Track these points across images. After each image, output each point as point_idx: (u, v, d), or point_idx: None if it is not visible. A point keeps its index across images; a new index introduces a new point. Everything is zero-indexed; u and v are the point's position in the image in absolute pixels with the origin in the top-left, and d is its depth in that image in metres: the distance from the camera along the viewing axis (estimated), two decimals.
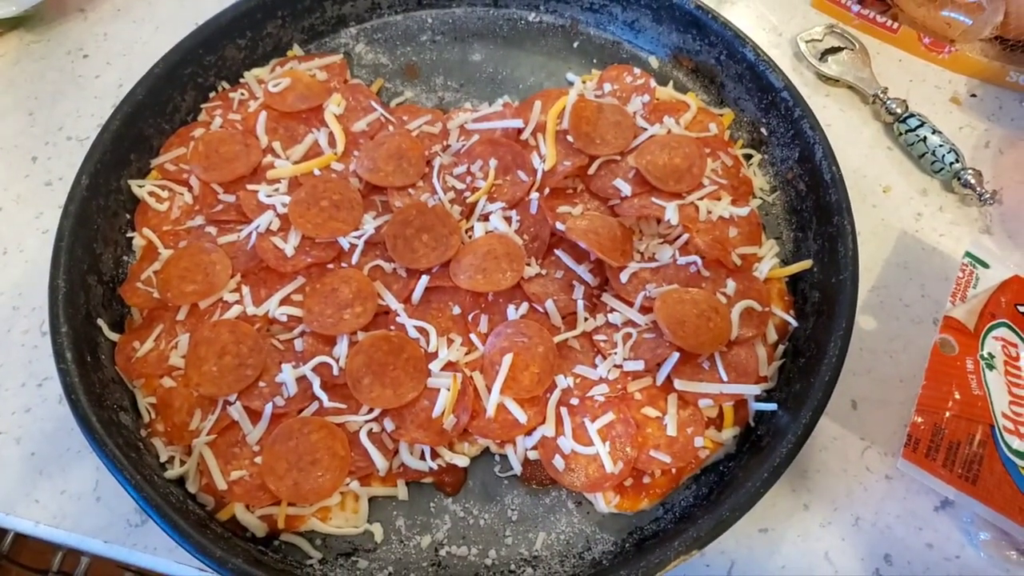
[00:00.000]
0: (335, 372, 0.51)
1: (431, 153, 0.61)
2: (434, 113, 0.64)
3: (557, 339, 0.52)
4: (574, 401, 0.51)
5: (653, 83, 0.64)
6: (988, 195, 0.62)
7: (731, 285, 0.54)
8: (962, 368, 0.50)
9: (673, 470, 0.50)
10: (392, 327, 0.53)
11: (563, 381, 0.52)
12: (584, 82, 0.65)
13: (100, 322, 0.53)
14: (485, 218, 0.58)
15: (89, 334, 0.52)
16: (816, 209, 0.57)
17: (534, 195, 0.57)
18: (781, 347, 0.54)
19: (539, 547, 0.49)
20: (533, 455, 0.51)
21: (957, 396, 0.49)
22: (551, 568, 0.49)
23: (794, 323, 0.54)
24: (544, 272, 0.55)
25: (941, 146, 0.64)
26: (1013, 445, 0.48)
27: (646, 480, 0.50)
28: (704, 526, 0.44)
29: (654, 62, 0.68)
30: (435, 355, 0.52)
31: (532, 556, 0.49)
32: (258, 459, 0.49)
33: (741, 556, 0.50)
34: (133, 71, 0.65)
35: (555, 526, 0.50)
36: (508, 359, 0.51)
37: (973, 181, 0.62)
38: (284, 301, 0.54)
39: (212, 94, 0.65)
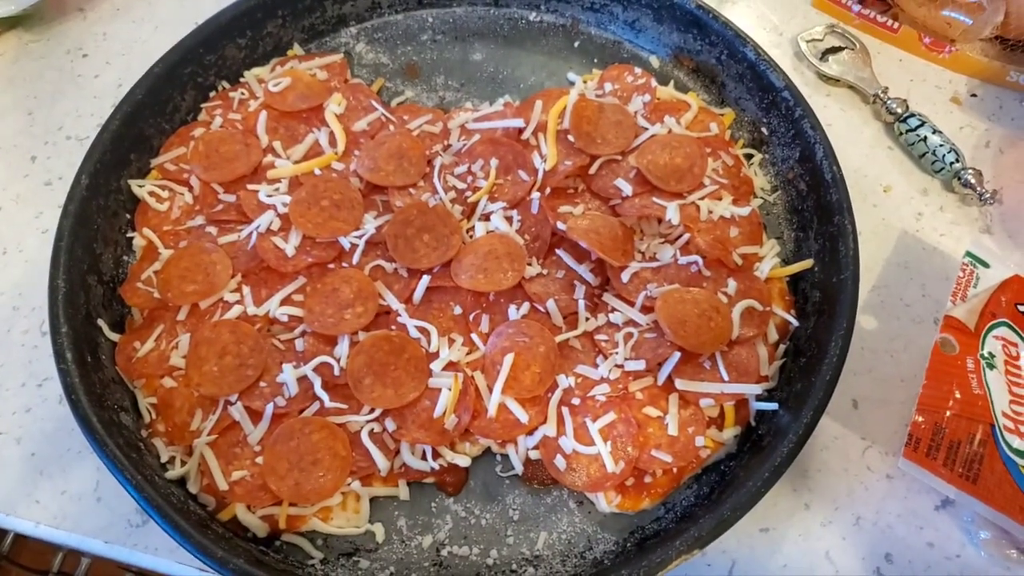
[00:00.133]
0: (336, 372, 0.51)
1: (432, 153, 0.61)
2: (435, 113, 0.64)
3: (558, 339, 0.52)
4: (575, 401, 0.51)
5: (654, 83, 0.64)
6: (988, 195, 0.62)
7: (732, 285, 0.54)
8: (963, 367, 0.50)
9: (674, 469, 0.50)
10: (393, 327, 0.53)
11: (564, 381, 0.52)
12: (585, 82, 0.65)
13: (100, 322, 0.53)
14: (486, 218, 0.57)
15: (89, 334, 0.52)
16: (817, 209, 0.57)
17: (535, 195, 0.57)
18: (782, 346, 0.54)
19: (541, 547, 0.49)
20: (534, 455, 0.51)
21: (958, 395, 0.49)
22: (553, 568, 0.49)
23: (795, 322, 0.54)
24: (545, 272, 0.55)
25: (941, 146, 0.64)
26: (1013, 444, 0.48)
27: (647, 480, 0.50)
28: (705, 525, 0.44)
29: (655, 62, 0.68)
30: (436, 355, 0.52)
31: (534, 556, 0.49)
32: (259, 459, 0.49)
33: (742, 555, 0.50)
34: (133, 71, 0.65)
35: (557, 526, 0.50)
36: (509, 359, 0.51)
37: (973, 181, 0.62)
38: (285, 301, 0.54)
39: (212, 93, 0.65)
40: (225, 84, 0.65)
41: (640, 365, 0.51)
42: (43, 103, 0.69)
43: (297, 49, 0.68)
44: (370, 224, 0.57)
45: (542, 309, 0.54)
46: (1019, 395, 0.49)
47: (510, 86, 0.68)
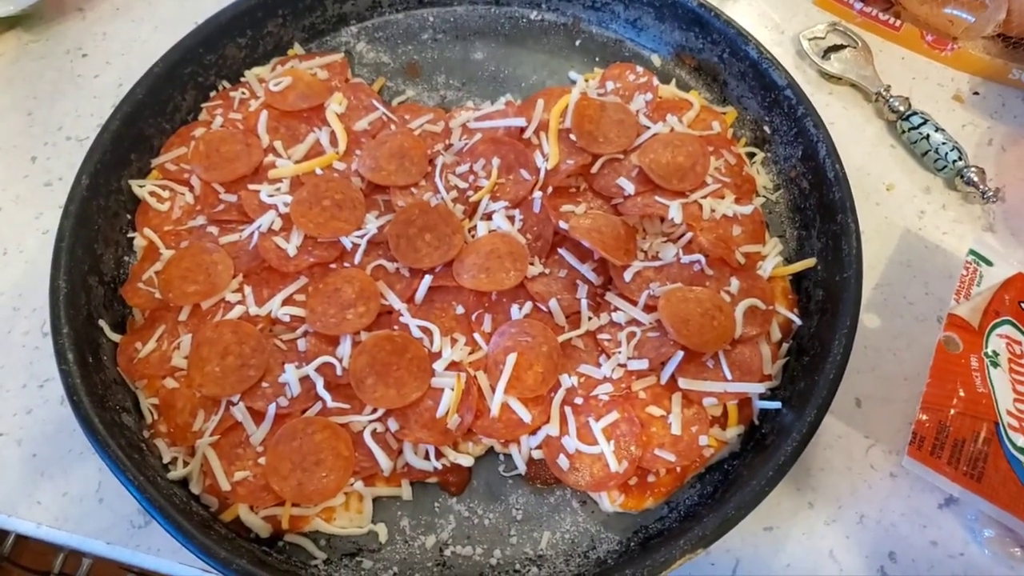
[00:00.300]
0: (338, 372, 0.51)
1: (433, 152, 0.61)
2: (436, 112, 0.64)
3: (561, 338, 0.52)
4: (578, 400, 0.51)
5: (656, 81, 0.64)
6: (991, 193, 0.62)
7: (735, 283, 0.54)
8: (966, 366, 0.50)
9: (678, 469, 0.50)
10: (395, 327, 0.53)
11: (567, 380, 0.51)
12: (587, 80, 0.65)
13: (102, 323, 0.53)
14: (488, 217, 0.57)
15: (91, 335, 0.51)
16: (820, 207, 0.57)
17: (537, 194, 0.57)
18: (785, 345, 0.54)
19: (544, 546, 0.49)
20: (537, 454, 0.50)
21: (962, 394, 0.49)
22: (556, 567, 0.49)
23: (798, 321, 0.54)
24: (548, 271, 0.55)
25: (944, 144, 0.64)
26: (1017, 442, 0.48)
27: (651, 479, 0.50)
28: (709, 525, 0.44)
29: (656, 60, 0.68)
30: (439, 355, 0.52)
31: (537, 555, 0.49)
32: (262, 460, 0.49)
33: (746, 554, 0.50)
34: (132, 70, 0.65)
35: (560, 525, 0.50)
36: (512, 358, 0.50)
37: (976, 179, 0.62)
38: (287, 301, 0.54)
39: (213, 93, 0.64)
40: (226, 84, 0.65)
41: (643, 364, 0.51)
42: (43, 103, 0.69)
43: (298, 48, 0.68)
44: (372, 224, 0.56)
45: (544, 308, 0.54)
46: (1023, 393, 0.49)
47: (511, 85, 0.67)
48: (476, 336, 0.53)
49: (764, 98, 0.62)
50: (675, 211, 0.55)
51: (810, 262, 0.56)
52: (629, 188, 0.57)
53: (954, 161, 0.63)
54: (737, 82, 0.65)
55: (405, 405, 0.50)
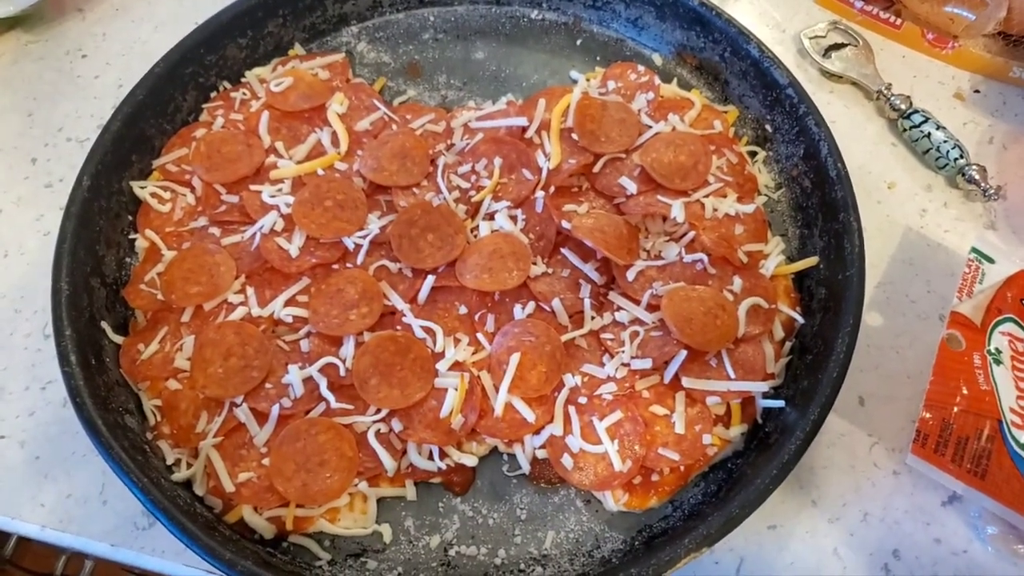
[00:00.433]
0: (342, 373, 0.51)
1: (435, 152, 0.61)
2: (437, 112, 0.64)
3: (564, 338, 0.52)
4: (582, 400, 0.51)
5: (657, 80, 0.64)
6: (992, 191, 0.62)
7: (737, 282, 0.54)
8: (969, 363, 0.50)
9: (681, 468, 0.50)
10: (398, 327, 0.53)
11: (571, 380, 0.51)
12: (588, 80, 0.65)
13: (104, 325, 0.53)
14: (490, 217, 0.57)
15: (93, 337, 0.51)
16: (822, 206, 0.57)
17: (539, 193, 0.57)
18: (788, 344, 0.54)
19: (548, 546, 0.49)
20: (541, 454, 0.50)
21: (965, 391, 0.49)
22: (561, 567, 0.49)
23: (801, 320, 0.54)
24: (550, 271, 0.55)
25: (945, 142, 0.64)
26: (1021, 439, 0.48)
27: (655, 478, 0.50)
28: (714, 523, 0.44)
29: (658, 59, 0.68)
30: (442, 355, 0.52)
31: (542, 555, 0.49)
32: (266, 461, 0.48)
33: (750, 553, 0.50)
34: (133, 71, 0.65)
35: (564, 525, 0.50)
36: (515, 358, 0.50)
37: (977, 177, 0.62)
38: (289, 302, 0.53)
39: (213, 94, 0.64)
40: (226, 84, 0.65)
41: (646, 363, 0.51)
42: (43, 104, 0.68)
43: (298, 49, 0.68)
44: (374, 224, 0.56)
45: (548, 308, 0.54)
46: None
47: (512, 85, 0.67)
48: (479, 336, 0.53)
49: (766, 97, 0.62)
50: (677, 210, 0.55)
51: (812, 261, 0.56)
52: (631, 187, 0.57)
53: (955, 159, 0.63)
54: (738, 81, 0.65)
55: (409, 405, 0.50)
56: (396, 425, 0.50)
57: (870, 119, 0.68)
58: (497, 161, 0.59)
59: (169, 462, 0.49)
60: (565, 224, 0.55)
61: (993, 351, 0.50)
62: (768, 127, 0.63)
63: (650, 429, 0.50)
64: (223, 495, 0.48)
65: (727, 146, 0.61)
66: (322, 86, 0.63)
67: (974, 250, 0.55)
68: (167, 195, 0.59)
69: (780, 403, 0.51)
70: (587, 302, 0.54)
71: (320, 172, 0.59)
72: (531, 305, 0.53)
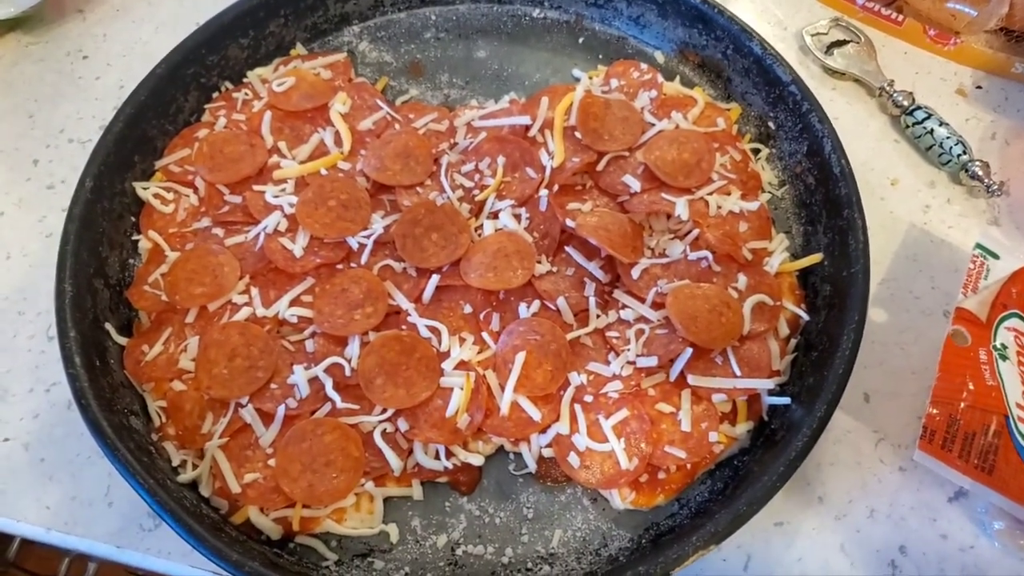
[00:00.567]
0: (347, 373, 0.51)
1: (438, 151, 0.61)
2: (440, 111, 0.64)
3: (570, 336, 0.52)
4: (588, 398, 0.51)
5: (660, 78, 0.64)
6: (996, 186, 0.62)
7: (742, 280, 0.54)
8: (975, 359, 0.50)
9: (688, 465, 0.50)
10: (403, 327, 0.53)
11: (576, 378, 0.51)
12: (591, 78, 0.65)
13: (108, 326, 0.52)
14: (494, 216, 0.57)
15: (97, 338, 0.51)
16: (825, 203, 0.57)
17: (543, 192, 0.57)
18: (793, 341, 0.54)
19: (555, 544, 0.49)
20: (548, 453, 0.50)
21: (971, 387, 0.49)
22: (568, 565, 0.49)
23: (805, 317, 0.54)
24: (555, 269, 0.55)
25: (948, 138, 0.64)
26: None
27: (661, 476, 0.50)
28: (721, 521, 0.44)
29: (660, 57, 0.68)
30: (447, 354, 0.51)
31: (549, 553, 0.49)
32: (271, 461, 0.48)
33: (757, 550, 0.50)
34: (134, 72, 0.64)
35: (571, 523, 0.50)
36: (521, 357, 0.50)
37: (980, 173, 0.62)
38: (294, 302, 0.53)
39: (215, 94, 0.64)
40: (228, 84, 0.65)
41: (652, 361, 0.51)
42: (44, 106, 0.68)
43: (300, 48, 0.68)
44: (378, 224, 0.56)
45: (552, 307, 0.54)
46: None
47: (515, 83, 0.67)
48: (484, 335, 0.53)
49: (768, 94, 0.62)
50: (681, 208, 0.55)
51: (817, 257, 0.56)
52: (635, 185, 0.57)
53: (958, 155, 0.63)
54: (741, 78, 0.65)
55: (415, 405, 0.50)
56: (402, 425, 0.50)
57: (872, 116, 0.68)
58: (500, 160, 0.59)
59: (175, 463, 0.49)
60: (569, 222, 0.54)
61: (999, 347, 0.50)
62: (771, 124, 0.63)
63: (656, 427, 0.50)
64: (229, 496, 0.48)
65: (730, 143, 0.61)
66: (324, 86, 0.63)
67: (979, 246, 0.55)
68: (170, 196, 0.58)
69: (786, 400, 0.51)
70: (592, 300, 0.54)
71: (323, 172, 0.59)
72: (536, 304, 0.53)
